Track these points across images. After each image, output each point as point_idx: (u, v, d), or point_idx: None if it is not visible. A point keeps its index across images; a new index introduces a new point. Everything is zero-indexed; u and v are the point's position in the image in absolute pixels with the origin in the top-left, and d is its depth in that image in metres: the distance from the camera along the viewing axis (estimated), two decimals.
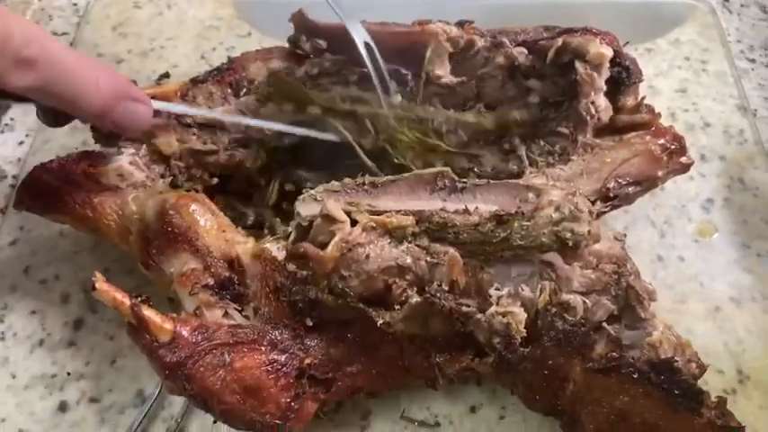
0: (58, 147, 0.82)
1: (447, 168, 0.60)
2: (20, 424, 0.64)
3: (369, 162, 0.67)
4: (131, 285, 0.65)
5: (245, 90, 0.72)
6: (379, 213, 0.57)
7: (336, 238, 0.54)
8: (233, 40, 0.94)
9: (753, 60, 0.92)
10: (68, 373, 0.67)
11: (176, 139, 0.69)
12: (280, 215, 0.70)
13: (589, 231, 0.56)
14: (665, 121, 0.70)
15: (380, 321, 0.54)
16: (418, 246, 0.56)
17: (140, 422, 0.63)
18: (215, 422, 0.62)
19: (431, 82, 0.69)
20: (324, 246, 0.55)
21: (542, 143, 0.70)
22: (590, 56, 0.66)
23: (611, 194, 0.66)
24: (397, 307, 0.55)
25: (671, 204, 0.78)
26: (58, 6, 0.97)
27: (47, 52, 0.51)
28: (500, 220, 0.56)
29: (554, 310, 0.56)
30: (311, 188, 0.59)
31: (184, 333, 0.53)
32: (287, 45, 0.73)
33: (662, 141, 0.68)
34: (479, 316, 0.55)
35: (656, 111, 0.70)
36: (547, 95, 0.70)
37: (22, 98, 0.54)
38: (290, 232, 0.58)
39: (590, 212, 0.58)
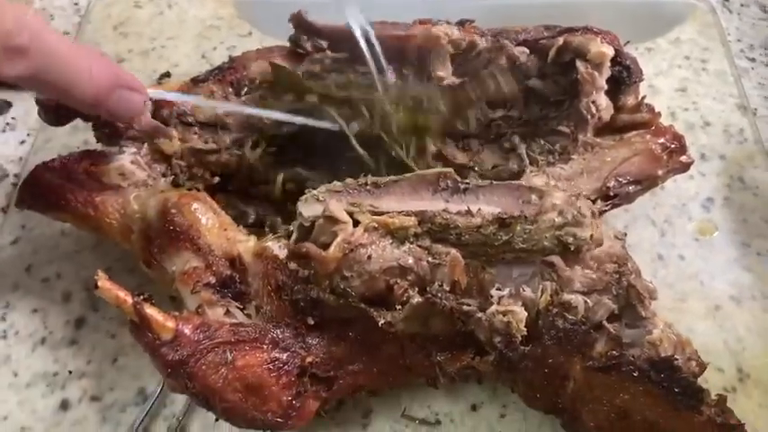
0: (60, 146, 0.82)
1: (450, 169, 0.60)
2: (22, 422, 0.64)
3: (361, 150, 0.66)
4: (133, 284, 0.65)
5: (245, 89, 0.72)
6: (381, 214, 0.57)
7: (338, 239, 0.54)
8: (234, 40, 0.94)
9: (753, 59, 0.92)
10: (70, 372, 0.67)
11: (178, 138, 0.69)
12: (281, 214, 0.70)
13: (591, 236, 0.57)
14: (665, 121, 0.70)
15: (382, 321, 0.55)
16: (420, 246, 0.56)
17: (142, 420, 0.63)
18: (217, 420, 0.62)
19: (433, 83, 0.69)
20: (326, 246, 0.55)
21: (543, 142, 0.70)
22: (591, 55, 0.66)
23: (612, 193, 0.66)
24: (398, 307, 0.55)
25: (671, 203, 0.78)
26: (59, 6, 0.97)
27: (39, 41, 0.50)
28: (502, 223, 0.56)
29: (555, 310, 0.56)
30: (313, 188, 0.59)
31: (186, 331, 0.53)
32: (288, 44, 0.73)
33: (662, 140, 0.68)
34: (480, 315, 0.55)
35: (657, 110, 0.70)
36: (548, 94, 0.70)
37: (14, 86, 0.53)
38: (292, 232, 0.58)
39: (593, 214, 0.58)
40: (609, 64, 0.67)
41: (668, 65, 0.91)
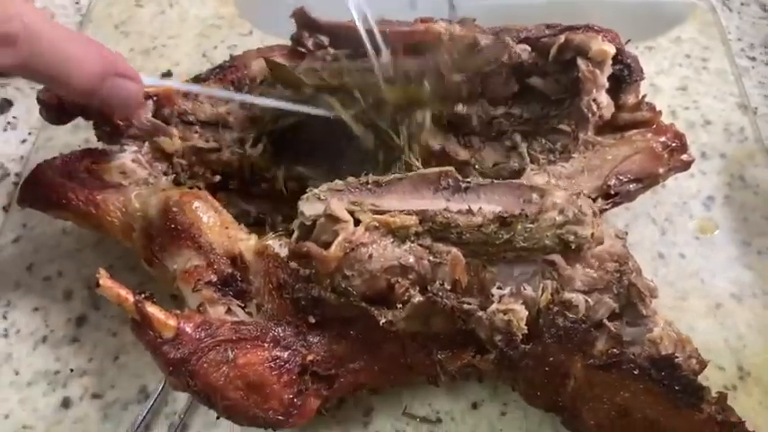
0: (61, 144, 0.82)
1: (451, 168, 0.60)
2: (23, 420, 0.64)
3: (357, 128, 0.66)
4: (134, 282, 0.66)
5: (246, 87, 0.72)
6: (382, 213, 0.57)
7: (340, 238, 0.55)
8: (235, 39, 0.94)
9: (753, 58, 0.92)
10: (71, 370, 0.67)
11: (179, 136, 0.69)
12: (282, 213, 0.70)
13: (592, 234, 0.57)
14: (665, 119, 0.70)
15: (383, 320, 0.55)
16: (421, 245, 0.56)
17: (144, 418, 0.63)
18: (218, 418, 0.62)
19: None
20: (327, 245, 0.55)
21: (544, 140, 0.70)
22: (592, 53, 0.66)
23: (613, 192, 0.66)
24: (399, 306, 0.55)
25: (672, 202, 0.78)
26: (60, 5, 0.98)
27: (29, 29, 0.49)
28: (503, 221, 0.56)
29: (556, 308, 0.56)
30: (315, 187, 0.59)
31: (188, 329, 0.53)
32: (288, 43, 0.74)
33: (663, 139, 0.68)
34: (481, 314, 0.56)
35: (657, 108, 0.70)
36: (549, 92, 0.70)
37: (6, 75, 0.52)
38: (293, 230, 0.58)
39: (593, 212, 0.58)
40: (610, 62, 0.67)
41: (669, 63, 0.91)
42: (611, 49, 0.66)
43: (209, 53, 0.92)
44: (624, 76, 0.68)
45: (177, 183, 0.68)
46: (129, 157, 0.67)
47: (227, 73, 0.73)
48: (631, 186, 0.67)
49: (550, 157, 0.69)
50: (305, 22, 0.72)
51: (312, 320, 0.56)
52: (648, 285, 0.58)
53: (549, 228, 0.56)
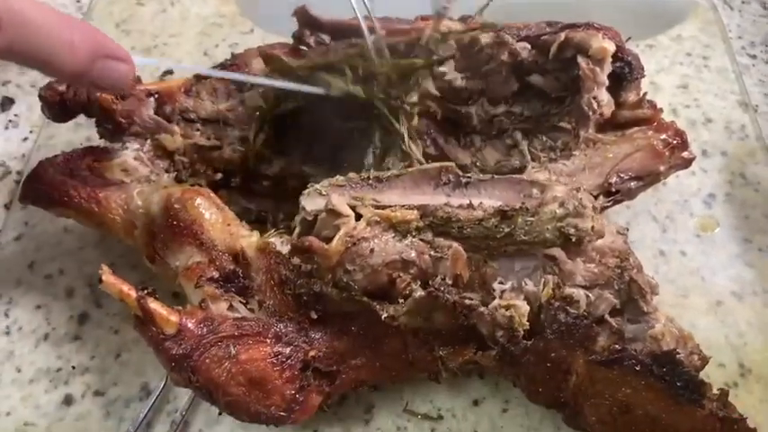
0: (63, 143, 0.82)
1: (451, 163, 0.60)
2: (25, 417, 0.64)
3: (352, 88, 0.66)
4: (136, 280, 0.65)
5: (248, 85, 0.72)
6: (383, 208, 0.57)
7: (341, 233, 0.55)
8: (236, 37, 0.94)
9: (754, 56, 0.92)
10: (73, 367, 0.67)
11: (180, 134, 0.70)
12: (283, 211, 0.70)
13: (593, 227, 0.57)
14: (666, 117, 0.70)
15: (384, 315, 0.55)
16: (422, 240, 0.56)
17: (145, 415, 0.63)
18: (220, 414, 0.63)
19: (435, 78, 0.69)
20: (329, 240, 0.55)
21: (544, 138, 0.70)
22: (592, 51, 0.66)
23: (614, 189, 0.66)
24: (401, 300, 0.55)
25: (673, 199, 0.79)
26: (60, 3, 0.98)
27: (12, 11, 0.47)
28: (504, 215, 0.56)
29: (557, 303, 0.56)
30: (316, 183, 0.59)
31: (190, 325, 0.53)
32: (290, 41, 0.74)
33: (664, 136, 0.68)
34: (482, 309, 0.56)
35: (658, 106, 0.70)
36: (549, 90, 0.70)
37: None
38: (295, 227, 0.59)
39: (594, 208, 0.58)
40: (610, 60, 0.67)
41: (670, 62, 0.91)
42: (612, 47, 0.66)
43: (211, 51, 0.92)
44: (625, 73, 0.68)
45: (179, 180, 0.69)
46: (131, 154, 0.68)
47: (229, 71, 0.73)
48: (632, 184, 0.67)
49: (551, 154, 0.69)
50: (306, 20, 0.72)
51: (314, 316, 0.56)
52: (649, 282, 0.59)
53: (549, 221, 0.56)
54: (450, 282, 0.55)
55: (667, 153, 0.68)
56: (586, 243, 0.57)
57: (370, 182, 0.59)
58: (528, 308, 0.56)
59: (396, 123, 0.66)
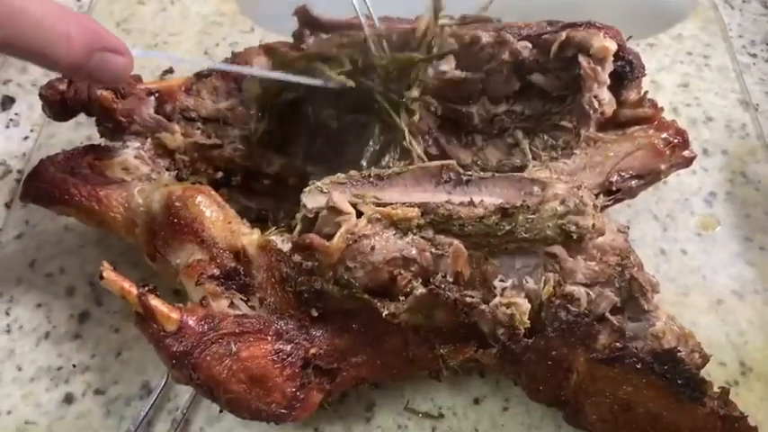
0: (63, 142, 0.82)
1: (452, 161, 0.60)
2: (26, 416, 0.64)
3: (343, 80, 0.65)
4: (137, 278, 0.65)
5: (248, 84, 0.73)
6: (384, 205, 0.57)
7: (342, 230, 0.55)
8: (236, 36, 0.94)
9: (754, 55, 0.92)
10: (74, 366, 0.67)
11: (181, 133, 0.70)
12: (284, 209, 0.70)
13: (594, 225, 0.57)
14: (667, 116, 0.70)
15: (385, 312, 0.55)
16: (423, 238, 0.56)
17: (146, 413, 0.63)
18: (221, 412, 0.63)
19: (436, 76, 0.69)
20: (329, 237, 0.55)
21: (546, 137, 0.71)
22: (594, 50, 0.66)
23: (614, 188, 0.66)
24: (401, 298, 0.55)
25: (674, 198, 0.79)
26: (61, 2, 0.97)
27: (8, 4, 0.47)
28: (505, 212, 0.56)
29: (558, 301, 0.56)
30: (317, 181, 0.59)
31: (191, 322, 0.53)
32: (290, 40, 0.74)
33: (665, 135, 0.68)
34: (483, 307, 0.56)
35: (659, 105, 0.70)
36: (550, 89, 0.70)
37: None
38: (296, 224, 0.59)
39: (594, 206, 0.58)
40: (611, 59, 0.67)
41: (670, 61, 0.91)
42: (613, 46, 0.66)
43: (211, 50, 0.92)
44: (626, 72, 0.68)
45: (179, 179, 0.69)
46: (132, 153, 0.68)
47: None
48: (633, 183, 0.67)
49: (552, 153, 0.69)
50: (307, 19, 0.72)
51: (315, 314, 0.56)
52: (650, 280, 0.59)
53: (550, 218, 0.56)
54: (450, 279, 0.55)
55: (668, 152, 0.68)
56: (587, 241, 0.57)
57: (371, 179, 0.59)
58: (529, 306, 0.56)
59: (396, 118, 0.65)
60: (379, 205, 0.57)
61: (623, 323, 0.57)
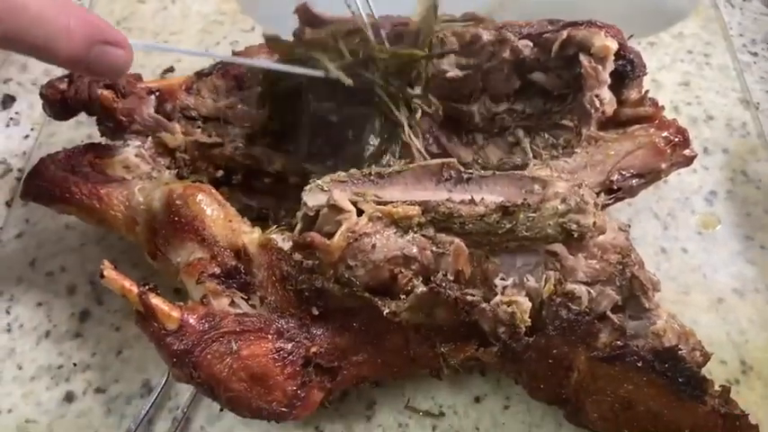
0: (64, 140, 0.82)
1: (453, 159, 0.60)
2: (26, 414, 0.64)
3: (336, 72, 0.65)
4: (138, 277, 0.65)
5: (248, 83, 0.72)
6: (385, 203, 0.57)
7: (343, 228, 0.55)
8: (237, 35, 0.94)
9: (755, 54, 0.92)
10: (75, 364, 0.67)
11: (181, 131, 0.70)
12: (284, 208, 0.70)
13: (594, 223, 0.57)
14: (668, 115, 0.70)
15: (386, 311, 0.55)
16: (424, 236, 0.56)
17: (147, 412, 0.63)
18: (221, 410, 0.63)
19: (436, 75, 0.69)
20: (330, 235, 0.55)
21: (546, 136, 0.70)
22: (595, 48, 0.66)
23: (615, 187, 0.66)
24: (402, 296, 0.55)
25: (674, 197, 0.78)
26: None
27: (7, 1, 0.47)
28: (506, 211, 0.56)
29: (558, 299, 0.56)
30: (317, 179, 0.59)
31: (192, 321, 0.53)
32: (291, 39, 0.74)
33: (665, 134, 0.68)
34: (484, 305, 0.56)
35: (660, 104, 0.70)
36: (551, 88, 0.70)
37: None
38: (296, 223, 0.59)
39: (595, 204, 0.58)
40: (612, 58, 0.67)
41: (671, 59, 0.91)
42: (614, 45, 0.66)
43: (212, 49, 0.92)
44: (627, 71, 0.68)
45: (180, 177, 0.69)
46: (133, 151, 0.68)
47: (230, 68, 0.73)
48: (634, 181, 0.67)
49: (553, 152, 0.69)
50: (308, 18, 0.72)
51: (315, 312, 0.56)
52: (651, 278, 0.59)
53: (551, 216, 0.56)
54: (451, 278, 0.55)
55: (669, 150, 0.68)
56: (588, 239, 0.57)
57: (372, 178, 0.59)
58: (530, 304, 0.56)
59: (396, 111, 0.65)
60: (379, 203, 0.57)
61: (624, 321, 0.57)
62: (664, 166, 0.68)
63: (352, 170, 0.60)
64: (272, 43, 0.69)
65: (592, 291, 0.57)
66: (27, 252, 0.74)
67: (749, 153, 0.82)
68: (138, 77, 0.71)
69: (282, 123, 0.70)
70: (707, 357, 0.57)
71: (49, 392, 0.65)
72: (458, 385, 0.65)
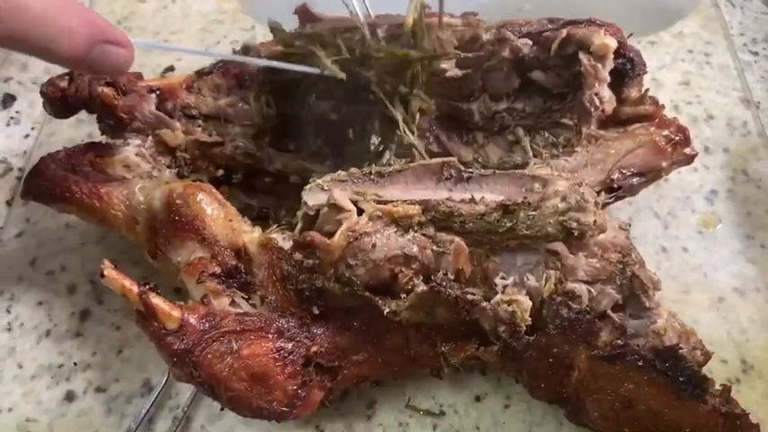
0: (64, 139, 0.82)
1: (453, 158, 0.60)
2: (27, 413, 0.64)
3: (339, 75, 0.64)
4: (138, 276, 0.65)
5: (248, 82, 0.72)
6: (385, 203, 0.57)
7: (343, 227, 0.55)
8: (237, 34, 0.94)
9: (756, 53, 0.92)
10: (75, 363, 0.67)
11: (182, 130, 0.70)
12: (285, 207, 0.70)
13: (595, 221, 0.57)
14: (668, 114, 0.70)
15: (387, 310, 0.55)
16: (424, 235, 0.56)
17: (147, 411, 0.63)
18: (222, 410, 0.63)
19: (436, 74, 0.69)
20: (330, 235, 0.55)
21: (547, 135, 0.70)
22: (594, 47, 0.66)
23: (616, 186, 0.66)
24: (403, 295, 0.55)
25: (675, 196, 0.78)
26: None
27: (9, 1, 0.47)
28: (506, 209, 0.56)
29: (559, 298, 0.56)
30: (317, 179, 0.59)
31: (192, 320, 0.53)
32: None
33: (666, 133, 0.68)
34: (485, 304, 0.56)
35: (660, 102, 0.70)
36: (551, 87, 0.70)
37: None
38: (297, 222, 0.58)
39: (596, 203, 0.58)
40: (612, 56, 0.67)
41: (671, 58, 0.91)
42: (614, 43, 0.66)
43: (212, 48, 0.92)
44: (627, 70, 0.68)
45: (180, 176, 0.69)
46: (133, 150, 0.68)
47: (230, 67, 0.73)
48: (634, 180, 0.67)
49: (553, 151, 0.69)
50: (307, 18, 0.72)
51: (316, 311, 0.56)
52: (651, 277, 0.59)
53: (551, 215, 0.56)
54: (452, 277, 0.55)
55: (669, 149, 0.68)
56: (588, 238, 0.57)
57: (372, 177, 0.59)
58: (530, 303, 0.56)
59: (391, 108, 0.65)
60: (380, 203, 0.57)
61: (624, 320, 0.57)
62: (664, 164, 0.68)
63: (353, 169, 0.59)
64: (276, 32, 0.69)
65: (592, 289, 0.57)
66: (27, 251, 0.74)
67: (750, 152, 0.82)
68: (139, 76, 0.71)
69: (283, 121, 0.70)
70: (707, 356, 0.57)
71: (50, 391, 0.65)
72: (458, 384, 0.65)
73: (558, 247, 0.57)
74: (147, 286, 0.54)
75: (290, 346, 0.55)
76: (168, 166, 0.68)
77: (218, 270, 0.57)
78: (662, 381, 0.53)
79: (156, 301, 0.53)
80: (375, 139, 0.66)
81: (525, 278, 0.57)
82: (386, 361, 0.59)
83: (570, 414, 0.59)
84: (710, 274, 0.73)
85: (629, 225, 0.62)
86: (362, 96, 0.66)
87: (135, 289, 0.53)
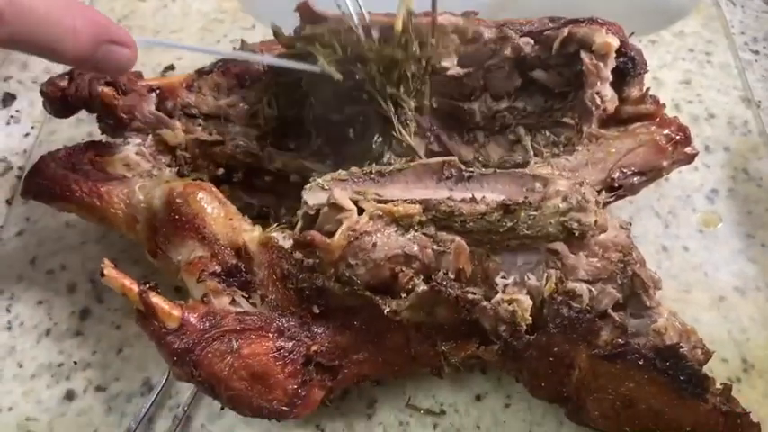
0: (65, 138, 0.82)
1: (454, 158, 0.60)
2: (27, 412, 0.64)
3: (335, 74, 0.64)
4: (138, 275, 0.65)
5: (249, 81, 0.72)
6: (385, 202, 0.57)
7: (343, 227, 0.55)
8: (237, 33, 0.94)
9: (756, 52, 0.92)
10: (75, 362, 0.67)
11: (182, 129, 0.70)
12: (285, 206, 0.70)
13: (596, 222, 0.57)
14: (669, 113, 0.70)
15: (387, 309, 0.55)
16: (425, 234, 0.56)
17: (147, 410, 0.63)
18: (222, 409, 0.63)
19: (437, 73, 0.69)
20: (331, 234, 0.55)
21: (548, 134, 0.70)
22: (596, 46, 0.66)
23: (616, 185, 0.66)
24: (403, 295, 0.55)
25: (675, 195, 0.78)
26: None
27: (14, 3, 0.47)
28: (507, 209, 0.56)
29: (560, 298, 0.56)
30: (318, 178, 0.59)
31: (192, 320, 0.53)
32: None
33: (667, 132, 0.68)
34: (485, 304, 0.56)
35: (661, 101, 0.70)
36: (552, 86, 0.70)
37: None
38: (297, 221, 0.58)
39: (596, 202, 0.58)
40: (614, 55, 0.67)
41: (672, 57, 0.91)
42: (615, 42, 0.66)
43: (212, 47, 0.92)
44: (628, 68, 0.68)
45: (181, 175, 0.69)
46: (133, 149, 0.68)
47: (231, 66, 0.73)
48: (635, 179, 0.67)
49: (554, 150, 0.69)
50: (308, 16, 0.72)
51: (316, 311, 0.56)
52: (652, 276, 0.59)
53: (552, 215, 0.56)
54: (452, 276, 0.55)
55: (670, 148, 0.68)
56: (589, 237, 0.57)
57: (373, 176, 0.59)
58: (531, 302, 0.56)
59: (385, 107, 0.65)
60: (380, 202, 0.57)
61: (625, 319, 0.57)
62: (665, 163, 0.68)
63: (353, 168, 0.59)
64: (278, 36, 0.69)
65: (593, 289, 0.57)
66: (27, 250, 0.74)
67: (750, 151, 0.82)
68: (139, 75, 0.71)
69: (284, 120, 0.70)
70: (708, 355, 0.57)
71: (50, 390, 0.65)
72: (459, 383, 0.65)
73: (559, 246, 0.57)
74: (148, 285, 0.54)
75: (290, 345, 0.55)
76: (168, 165, 0.68)
77: (218, 269, 0.57)
78: (663, 380, 0.53)
79: (157, 300, 0.53)
80: (376, 139, 0.66)
81: (526, 277, 0.57)
82: (386, 360, 0.59)
83: (571, 413, 0.59)
84: (711, 273, 0.73)
85: (630, 224, 0.62)
86: (362, 96, 0.66)
87: (135, 288, 0.53)
